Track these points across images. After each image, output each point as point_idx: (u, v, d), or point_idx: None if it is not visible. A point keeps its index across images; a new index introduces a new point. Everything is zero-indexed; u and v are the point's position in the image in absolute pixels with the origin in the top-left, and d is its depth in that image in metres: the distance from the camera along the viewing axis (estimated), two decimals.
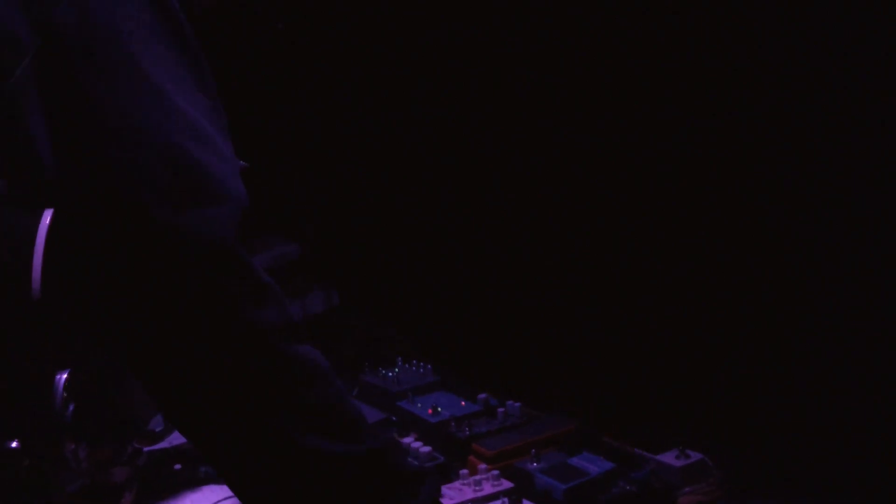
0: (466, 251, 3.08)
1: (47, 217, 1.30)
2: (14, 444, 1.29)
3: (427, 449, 2.15)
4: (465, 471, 2.03)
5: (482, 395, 2.45)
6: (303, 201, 3.51)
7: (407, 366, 2.76)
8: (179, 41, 1.35)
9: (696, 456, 1.99)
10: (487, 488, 1.96)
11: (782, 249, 2.16)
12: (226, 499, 2.09)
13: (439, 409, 2.40)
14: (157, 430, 1.86)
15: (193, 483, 2.21)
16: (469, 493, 1.94)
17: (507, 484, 1.98)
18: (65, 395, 1.33)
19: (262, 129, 3.34)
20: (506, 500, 1.94)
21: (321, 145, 3.54)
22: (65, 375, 1.34)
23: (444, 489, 1.94)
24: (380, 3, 3.24)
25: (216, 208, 1.28)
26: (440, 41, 3.04)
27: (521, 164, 2.85)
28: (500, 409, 2.33)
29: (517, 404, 2.35)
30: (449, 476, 2.08)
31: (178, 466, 2.21)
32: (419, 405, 2.46)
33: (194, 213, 1.25)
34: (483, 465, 2.05)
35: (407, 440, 2.23)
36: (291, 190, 3.46)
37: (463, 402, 2.46)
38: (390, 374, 2.72)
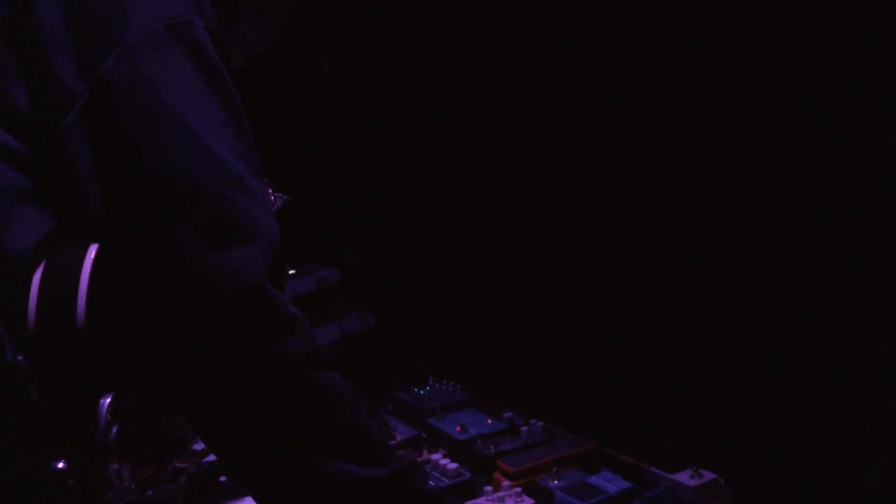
0: (495, 278, 3.09)
1: (92, 251, 1.35)
2: (60, 465, 1.33)
3: (454, 465, 2.18)
4: (489, 487, 2.05)
5: (507, 414, 2.48)
6: (341, 229, 3.55)
7: (437, 384, 2.80)
8: (219, 90, 1.40)
9: (709, 476, 2.00)
10: None
11: (801, 258, 2.13)
12: None
13: (467, 426, 2.43)
14: (199, 448, 1.90)
15: (239, 494, 2.24)
16: None
17: (528, 501, 2.00)
18: (108, 418, 1.37)
19: (306, 162, 3.40)
20: None
21: (358, 181, 3.59)
22: (108, 399, 1.38)
23: None
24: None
25: (248, 247, 1.32)
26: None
27: (549, 182, 2.84)
28: (524, 428, 2.36)
29: (540, 423, 2.38)
30: (474, 492, 2.10)
31: (223, 479, 2.25)
32: (448, 422, 2.49)
33: (227, 252, 1.30)
34: (507, 482, 2.07)
35: (435, 456, 2.28)
36: (331, 219, 3.51)
37: (489, 421, 2.48)
38: (422, 392, 2.75)
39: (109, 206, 1.36)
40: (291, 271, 3.15)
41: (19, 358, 1.33)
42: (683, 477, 2.00)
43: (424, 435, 2.46)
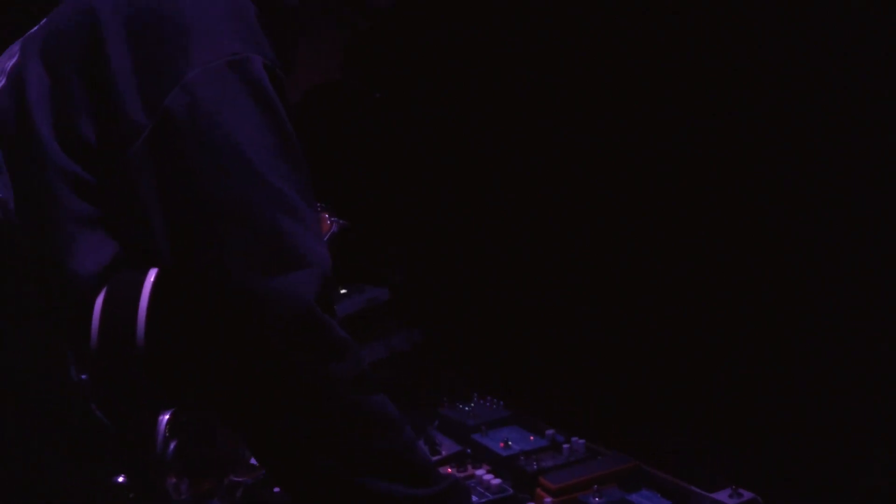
0: (537, 299, 3.09)
1: (152, 275, 1.37)
2: (121, 479, 1.35)
3: (497, 481, 2.19)
4: (531, 503, 2.04)
5: (549, 431, 2.47)
6: (390, 251, 3.58)
7: (482, 401, 2.79)
8: (275, 124, 1.42)
9: (748, 495, 1.98)
10: None
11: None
12: None
13: (510, 443, 2.42)
14: (255, 462, 1.91)
15: None
16: None
17: None
18: (167, 434, 1.39)
19: (359, 187, 3.44)
20: None
21: (408, 205, 3.62)
22: (167, 416, 1.40)
23: None
24: None
25: (300, 273, 1.34)
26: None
27: (588, 202, 2.83)
28: (566, 445, 2.35)
29: (581, 441, 2.37)
30: None
31: (277, 490, 2.26)
32: (492, 439, 2.48)
33: (280, 278, 1.32)
34: (548, 499, 2.07)
35: (479, 472, 2.27)
36: (381, 240, 3.54)
37: (532, 437, 2.47)
38: (466, 408, 2.75)
39: (169, 233, 1.38)
40: (343, 290, 3.17)
41: (83, 377, 1.36)
42: (723, 496, 1.98)
43: (469, 451, 2.46)
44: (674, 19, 2.33)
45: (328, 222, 2.63)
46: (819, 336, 2.17)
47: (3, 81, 1.51)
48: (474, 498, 2.10)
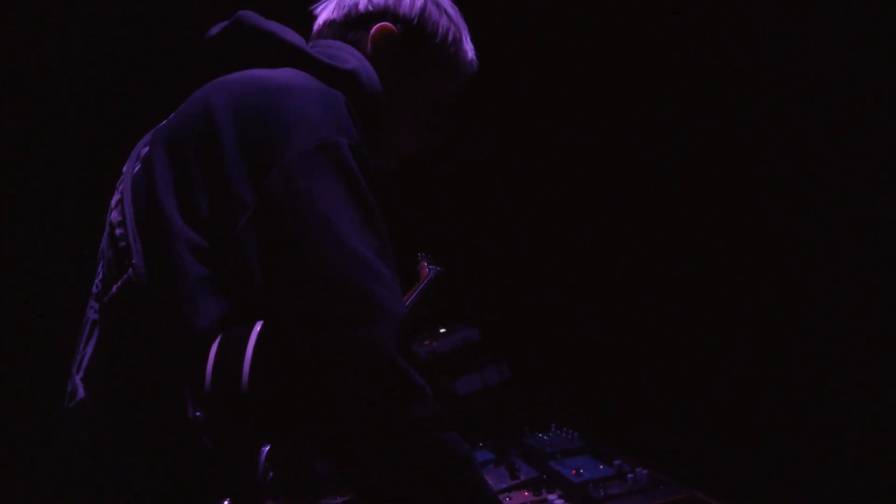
0: (613, 340, 3.08)
1: (257, 328, 1.46)
2: (226, 502, 1.43)
3: None
4: None
5: (617, 461, 2.51)
6: (482, 296, 3.65)
7: (559, 431, 2.85)
8: (359, 198, 1.51)
9: None
10: None
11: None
12: None
13: (581, 470, 2.47)
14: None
15: None
16: None
17: None
18: (266, 464, 1.47)
19: (456, 238, 3.51)
20: None
21: (496, 255, 3.67)
22: (267, 448, 1.47)
23: None
24: None
25: (380, 324, 1.40)
26: None
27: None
28: (630, 475, 2.38)
29: (645, 471, 2.39)
30: None
31: None
32: (566, 466, 2.53)
33: (365, 330, 1.38)
34: None
35: (552, 496, 2.33)
36: (475, 288, 3.61)
37: (601, 466, 2.51)
38: (545, 437, 2.81)
39: (272, 293, 1.46)
40: (442, 329, 3.26)
41: (197, 414, 1.45)
42: None
43: (544, 477, 2.51)
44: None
45: (426, 270, 2.72)
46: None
47: (138, 166, 1.64)
48: None
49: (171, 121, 1.67)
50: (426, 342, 3.26)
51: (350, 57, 1.66)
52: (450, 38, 1.77)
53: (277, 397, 1.48)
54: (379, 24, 1.73)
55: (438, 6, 1.78)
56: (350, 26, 1.76)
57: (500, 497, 2.28)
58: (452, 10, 1.82)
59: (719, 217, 2.35)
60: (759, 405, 2.45)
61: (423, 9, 1.75)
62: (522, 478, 2.46)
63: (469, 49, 1.84)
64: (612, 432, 2.80)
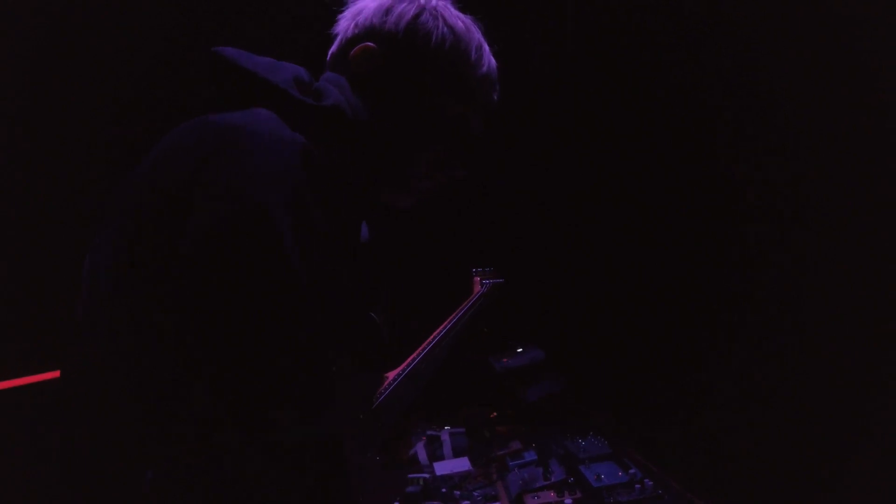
0: (658, 356, 3.17)
1: None
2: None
3: None
4: None
5: (632, 470, 2.67)
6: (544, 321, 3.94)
7: (594, 438, 3.04)
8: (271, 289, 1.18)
9: None
10: None
11: None
12: None
13: (602, 476, 2.65)
14: None
15: None
16: None
17: None
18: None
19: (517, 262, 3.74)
20: None
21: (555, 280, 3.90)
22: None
23: None
24: None
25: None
26: None
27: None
28: (637, 486, 2.55)
29: (650, 482, 2.56)
30: None
31: None
32: (592, 471, 2.71)
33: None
34: None
35: (567, 501, 2.53)
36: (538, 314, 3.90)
37: (620, 473, 2.67)
38: (583, 442, 3.00)
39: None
40: (519, 350, 3.64)
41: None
42: None
43: (571, 479, 2.72)
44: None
45: (478, 285, 3.00)
46: None
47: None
48: None
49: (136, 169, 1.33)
50: (504, 359, 3.63)
51: (334, 90, 1.49)
52: (447, 46, 1.55)
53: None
54: (355, 48, 1.55)
55: (438, 17, 1.57)
56: (344, 54, 1.59)
57: (530, 495, 2.61)
58: (462, 21, 1.60)
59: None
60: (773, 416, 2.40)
61: (414, 19, 1.55)
62: (553, 479, 2.69)
63: (483, 63, 1.60)
64: (636, 440, 2.97)
